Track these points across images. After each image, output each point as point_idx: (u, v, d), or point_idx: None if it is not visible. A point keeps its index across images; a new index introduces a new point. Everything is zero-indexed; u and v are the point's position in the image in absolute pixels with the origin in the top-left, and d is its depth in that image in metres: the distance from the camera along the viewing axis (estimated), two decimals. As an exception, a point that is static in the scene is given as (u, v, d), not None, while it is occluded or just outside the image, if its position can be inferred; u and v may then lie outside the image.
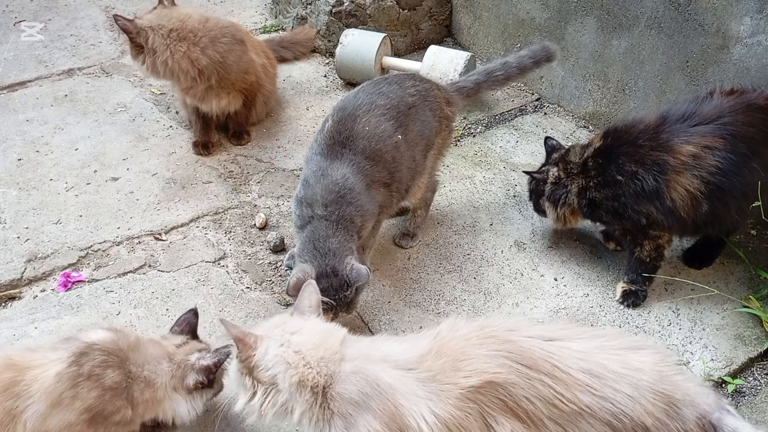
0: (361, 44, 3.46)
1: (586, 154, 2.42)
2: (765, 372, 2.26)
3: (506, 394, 1.53)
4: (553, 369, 1.54)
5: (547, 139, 2.69)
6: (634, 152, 2.28)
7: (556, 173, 2.49)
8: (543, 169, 2.57)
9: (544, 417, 1.53)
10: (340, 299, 2.14)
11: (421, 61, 3.40)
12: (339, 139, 2.29)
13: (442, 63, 3.33)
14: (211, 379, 1.84)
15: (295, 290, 2.09)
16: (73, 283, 2.48)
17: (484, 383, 1.53)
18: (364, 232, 2.34)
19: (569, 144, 2.63)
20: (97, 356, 1.62)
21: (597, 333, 1.70)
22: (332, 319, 2.17)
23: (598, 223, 2.56)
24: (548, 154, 2.66)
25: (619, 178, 2.29)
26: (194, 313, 1.99)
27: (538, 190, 2.57)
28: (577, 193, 2.43)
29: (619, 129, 2.39)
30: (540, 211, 2.61)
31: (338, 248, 2.17)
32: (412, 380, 1.56)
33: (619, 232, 2.46)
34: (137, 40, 2.82)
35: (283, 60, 3.65)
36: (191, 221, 2.77)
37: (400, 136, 2.35)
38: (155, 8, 2.94)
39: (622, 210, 2.31)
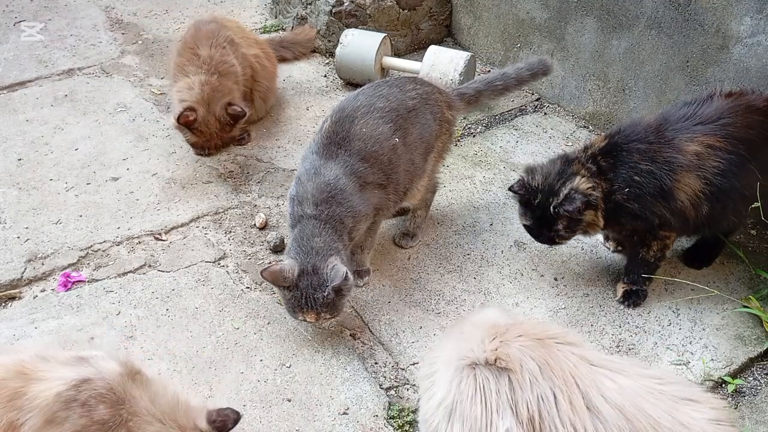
0: (361, 44, 3.46)
1: (591, 152, 2.30)
2: (765, 372, 2.26)
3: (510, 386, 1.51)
4: (573, 387, 1.47)
5: (510, 188, 2.39)
6: (648, 149, 2.24)
7: (585, 182, 2.22)
8: (568, 195, 2.22)
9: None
10: (318, 299, 2.13)
11: (421, 61, 3.40)
12: (335, 140, 2.30)
13: (442, 63, 3.33)
14: None
15: (270, 276, 2.15)
16: (73, 283, 2.48)
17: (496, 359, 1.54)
18: (356, 234, 2.33)
19: (544, 162, 2.37)
20: (96, 387, 1.62)
21: (652, 373, 1.57)
22: (316, 321, 2.19)
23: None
24: (528, 188, 2.32)
25: (637, 178, 2.23)
26: (237, 417, 1.80)
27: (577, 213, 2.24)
28: (602, 198, 2.27)
29: (624, 128, 2.34)
30: (574, 231, 2.31)
31: (323, 247, 2.17)
32: None
33: (627, 233, 2.40)
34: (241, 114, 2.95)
35: (283, 60, 3.65)
36: (191, 221, 2.77)
37: (397, 139, 2.35)
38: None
39: (641, 211, 2.26)
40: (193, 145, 2.99)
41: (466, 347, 1.59)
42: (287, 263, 2.18)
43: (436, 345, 1.80)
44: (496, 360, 1.53)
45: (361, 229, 2.36)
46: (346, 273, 2.13)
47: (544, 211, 2.28)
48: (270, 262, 2.58)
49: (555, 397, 1.47)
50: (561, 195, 2.23)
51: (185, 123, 2.87)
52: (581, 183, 2.23)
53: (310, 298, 2.14)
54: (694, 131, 2.23)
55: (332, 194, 2.23)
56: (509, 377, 1.51)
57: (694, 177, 2.20)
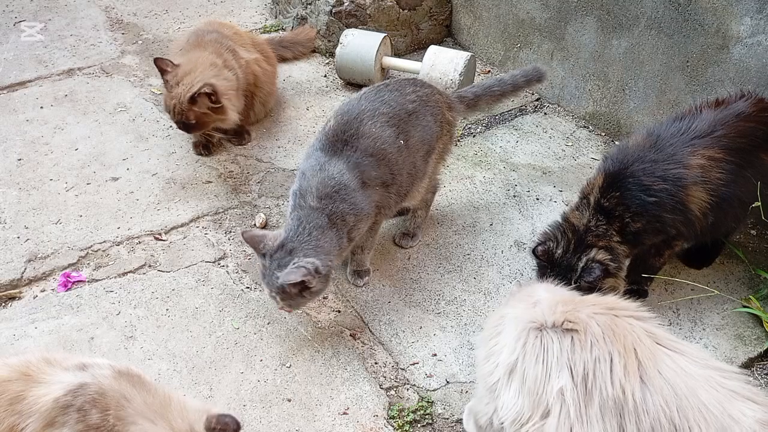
0: (361, 44, 3.46)
1: (593, 199, 2.25)
2: (765, 372, 2.26)
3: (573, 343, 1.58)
4: (631, 354, 1.52)
5: (534, 252, 2.30)
6: (653, 168, 2.21)
7: (603, 253, 2.21)
8: (585, 266, 2.21)
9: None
10: (274, 282, 2.14)
11: (421, 61, 3.40)
12: (342, 137, 2.30)
13: (442, 63, 3.33)
14: None
15: (250, 238, 2.21)
16: (73, 283, 2.48)
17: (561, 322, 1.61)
18: (356, 234, 2.33)
19: (556, 226, 2.32)
20: (90, 392, 1.63)
21: (719, 366, 1.58)
22: (273, 299, 2.21)
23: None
24: (551, 257, 2.27)
25: (652, 199, 2.19)
26: (237, 427, 1.70)
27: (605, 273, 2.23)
28: (619, 241, 2.24)
29: (614, 156, 2.30)
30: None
31: (316, 242, 2.16)
32: None
33: (646, 248, 2.36)
34: (216, 101, 2.85)
35: (283, 60, 3.65)
36: (191, 221, 2.77)
37: (402, 142, 2.36)
38: (168, 79, 2.86)
39: (662, 228, 2.25)
40: (164, 104, 2.91)
41: (537, 311, 1.65)
42: (275, 233, 2.20)
43: (501, 306, 1.85)
44: (563, 322, 1.59)
45: (362, 230, 2.36)
46: (302, 282, 2.10)
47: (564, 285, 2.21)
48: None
49: (611, 360, 1.52)
50: (578, 269, 2.22)
51: (158, 65, 2.86)
52: (598, 254, 2.21)
53: (271, 276, 2.15)
54: (694, 145, 2.22)
55: (336, 189, 2.23)
56: (572, 337, 1.57)
57: (701, 189, 2.20)
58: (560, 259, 2.26)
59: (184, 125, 2.90)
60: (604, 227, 2.23)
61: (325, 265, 2.16)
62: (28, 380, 1.65)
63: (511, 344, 1.64)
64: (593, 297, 1.71)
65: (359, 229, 2.33)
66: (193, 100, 2.80)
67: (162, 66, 2.87)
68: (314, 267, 2.12)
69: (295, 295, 2.16)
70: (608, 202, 2.23)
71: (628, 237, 2.25)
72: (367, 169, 2.28)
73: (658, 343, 1.57)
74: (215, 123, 2.94)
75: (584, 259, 2.22)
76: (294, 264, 2.11)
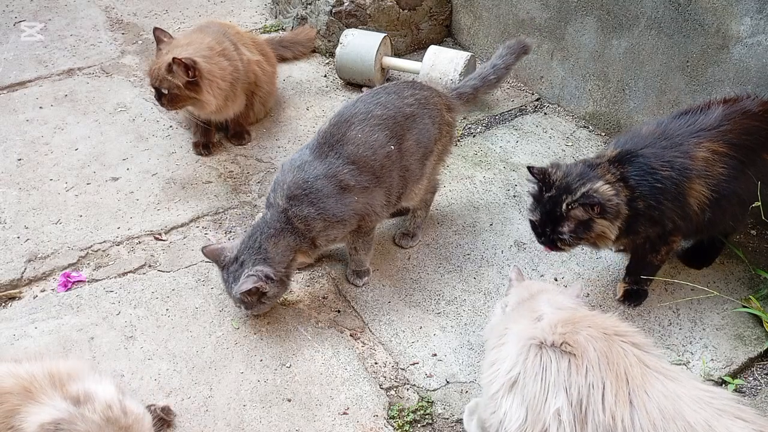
0: (361, 44, 3.46)
1: (607, 159, 2.23)
2: (765, 372, 2.26)
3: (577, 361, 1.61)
4: (623, 382, 1.56)
5: (529, 168, 2.23)
6: (662, 153, 2.21)
7: (609, 188, 2.14)
8: (585, 193, 2.12)
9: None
10: (231, 291, 2.27)
11: (421, 61, 3.40)
12: (330, 141, 2.32)
13: (441, 63, 3.33)
14: None
15: (210, 254, 2.35)
16: (73, 283, 2.48)
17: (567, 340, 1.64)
18: (324, 240, 2.33)
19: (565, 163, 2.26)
20: (74, 430, 1.63)
21: (709, 388, 1.62)
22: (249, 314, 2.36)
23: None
24: (545, 176, 2.20)
25: (659, 185, 2.19)
26: None
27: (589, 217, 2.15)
28: (624, 205, 2.18)
29: (627, 137, 2.31)
30: (580, 238, 2.19)
31: (264, 250, 2.25)
32: None
33: (641, 241, 2.34)
34: (193, 76, 2.79)
35: (283, 60, 3.65)
36: (191, 221, 2.77)
37: (392, 146, 2.35)
38: (162, 48, 2.90)
39: (660, 218, 2.23)
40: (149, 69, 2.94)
41: (538, 329, 1.68)
42: (232, 245, 2.32)
43: (507, 315, 1.86)
44: (562, 344, 1.62)
45: (333, 237, 2.35)
46: (254, 288, 2.20)
47: (554, 206, 2.15)
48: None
49: (604, 387, 1.57)
50: (578, 193, 2.12)
51: (156, 35, 2.94)
52: (602, 186, 2.13)
53: (229, 286, 2.29)
54: (699, 136, 2.23)
55: (306, 193, 2.25)
56: (569, 361, 1.60)
57: (703, 184, 2.20)
58: (559, 182, 2.15)
59: (158, 93, 2.87)
60: (618, 176, 2.18)
61: (277, 272, 2.26)
62: (27, 396, 1.67)
63: (513, 357, 1.67)
64: (593, 317, 1.71)
65: (329, 235, 2.33)
66: (170, 67, 2.78)
67: (160, 36, 2.93)
68: (264, 274, 2.23)
69: (255, 302, 2.27)
70: (622, 170, 2.20)
71: (631, 212, 2.20)
72: (347, 178, 2.28)
73: (648, 368, 1.61)
74: (188, 102, 2.88)
75: (588, 186, 2.12)
76: (245, 275, 2.22)
